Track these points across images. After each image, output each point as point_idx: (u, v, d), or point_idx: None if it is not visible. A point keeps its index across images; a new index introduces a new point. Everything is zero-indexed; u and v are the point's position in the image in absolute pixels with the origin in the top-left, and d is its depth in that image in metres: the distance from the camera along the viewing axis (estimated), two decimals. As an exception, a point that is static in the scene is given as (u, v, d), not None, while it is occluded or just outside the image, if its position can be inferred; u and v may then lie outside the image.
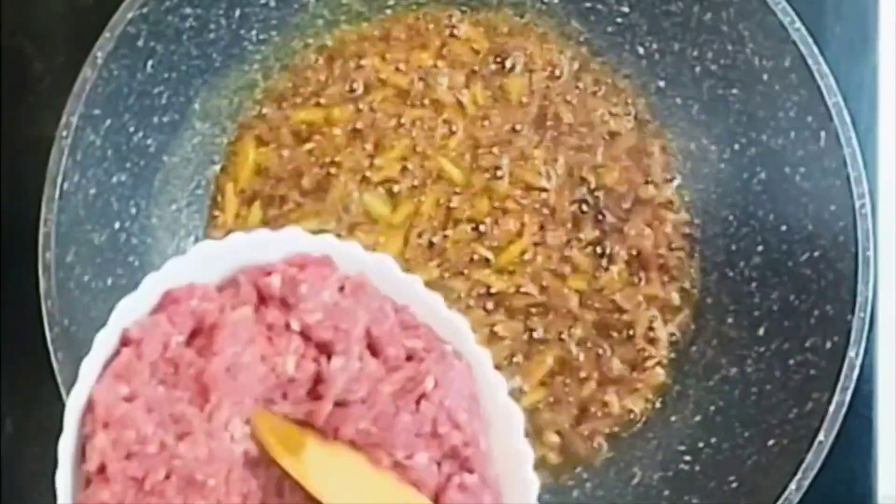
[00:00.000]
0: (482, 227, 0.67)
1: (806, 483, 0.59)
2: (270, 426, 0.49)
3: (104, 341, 0.49)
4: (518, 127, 0.68)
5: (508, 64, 0.68)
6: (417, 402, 0.51)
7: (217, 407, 0.49)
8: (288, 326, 0.51)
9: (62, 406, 0.56)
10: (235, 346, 0.50)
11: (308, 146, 0.67)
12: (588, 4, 0.68)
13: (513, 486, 0.53)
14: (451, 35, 0.69)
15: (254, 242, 0.52)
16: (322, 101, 0.68)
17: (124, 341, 0.49)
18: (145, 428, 0.47)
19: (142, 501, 0.47)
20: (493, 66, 0.69)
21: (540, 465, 0.65)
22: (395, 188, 0.67)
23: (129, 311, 0.49)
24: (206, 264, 0.51)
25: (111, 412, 0.47)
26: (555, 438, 0.67)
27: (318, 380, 0.50)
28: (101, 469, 0.47)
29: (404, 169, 0.67)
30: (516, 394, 0.66)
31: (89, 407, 0.48)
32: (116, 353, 0.49)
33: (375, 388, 0.50)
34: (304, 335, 0.51)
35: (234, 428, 0.49)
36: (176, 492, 0.47)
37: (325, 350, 0.51)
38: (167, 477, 0.47)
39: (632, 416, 0.67)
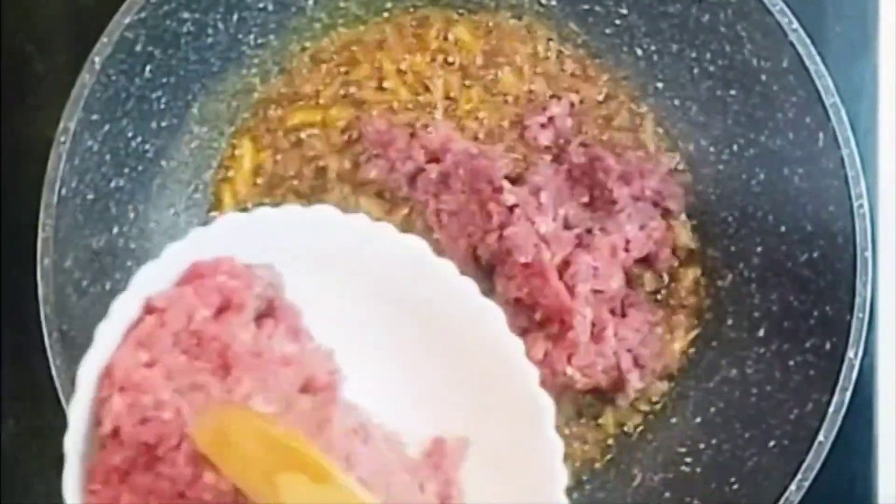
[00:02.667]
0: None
1: (806, 484, 0.59)
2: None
3: (123, 307, 0.48)
4: (514, 129, 0.68)
5: (506, 66, 0.68)
6: None
7: (238, 381, 0.48)
8: None
9: (61, 408, 0.56)
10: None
11: (305, 149, 0.67)
12: (586, 6, 0.68)
13: (541, 478, 0.53)
14: (449, 38, 0.69)
15: (282, 218, 0.52)
16: (319, 104, 0.68)
17: (148, 309, 0.49)
18: (162, 393, 0.47)
19: (152, 468, 0.47)
20: (491, 69, 0.68)
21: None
22: (392, 191, 0.67)
23: (150, 278, 0.49)
24: (231, 237, 0.51)
25: (129, 376, 0.47)
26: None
27: None
28: (115, 433, 0.47)
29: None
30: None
31: (107, 371, 0.47)
32: (139, 321, 0.49)
33: None
34: None
35: (256, 405, 0.48)
36: (186, 461, 0.47)
37: None
38: (178, 446, 0.47)
39: (632, 417, 0.67)
